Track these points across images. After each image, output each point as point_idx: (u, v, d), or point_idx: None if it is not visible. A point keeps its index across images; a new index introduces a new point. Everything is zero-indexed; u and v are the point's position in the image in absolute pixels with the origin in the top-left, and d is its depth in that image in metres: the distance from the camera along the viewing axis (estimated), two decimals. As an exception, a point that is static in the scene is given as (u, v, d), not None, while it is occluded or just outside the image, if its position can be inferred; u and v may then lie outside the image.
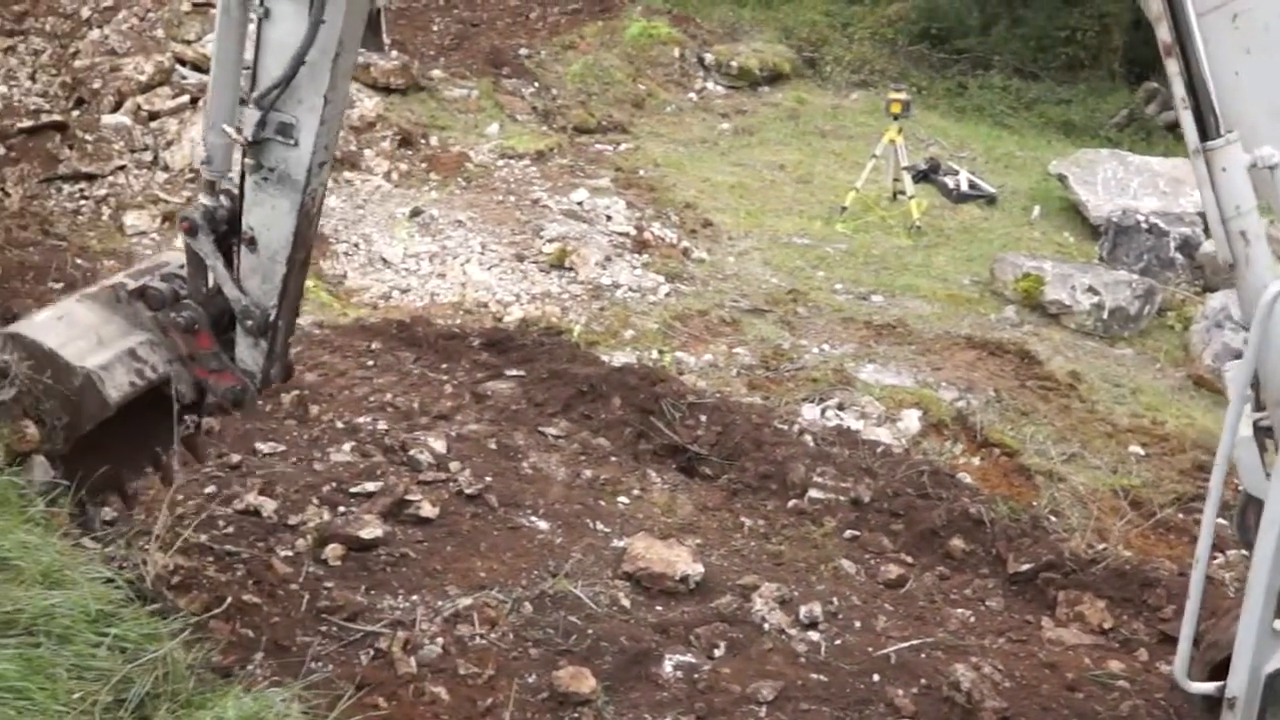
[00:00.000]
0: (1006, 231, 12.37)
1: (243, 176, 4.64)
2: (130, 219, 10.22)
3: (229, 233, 4.73)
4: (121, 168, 10.92)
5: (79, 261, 7.95)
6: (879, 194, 12.69)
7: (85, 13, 14.64)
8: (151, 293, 4.71)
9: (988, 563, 5.95)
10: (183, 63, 12.65)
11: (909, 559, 5.96)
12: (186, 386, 4.81)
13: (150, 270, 4.94)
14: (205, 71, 12.56)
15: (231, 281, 4.69)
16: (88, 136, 11.10)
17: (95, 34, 13.25)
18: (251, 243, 4.67)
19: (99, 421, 4.48)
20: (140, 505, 5.17)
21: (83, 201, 10.53)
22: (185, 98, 11.83)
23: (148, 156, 11.21)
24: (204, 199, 4.74)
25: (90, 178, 10.73)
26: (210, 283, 4.75)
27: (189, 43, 13.02)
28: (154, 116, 11.58)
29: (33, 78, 13.41)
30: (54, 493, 3.34)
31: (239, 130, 4.51)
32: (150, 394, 4.66)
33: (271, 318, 4.74)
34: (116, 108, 11.57)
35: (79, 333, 4.59)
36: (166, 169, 11.12)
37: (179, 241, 4.92)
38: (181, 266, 4.85)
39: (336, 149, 5.46)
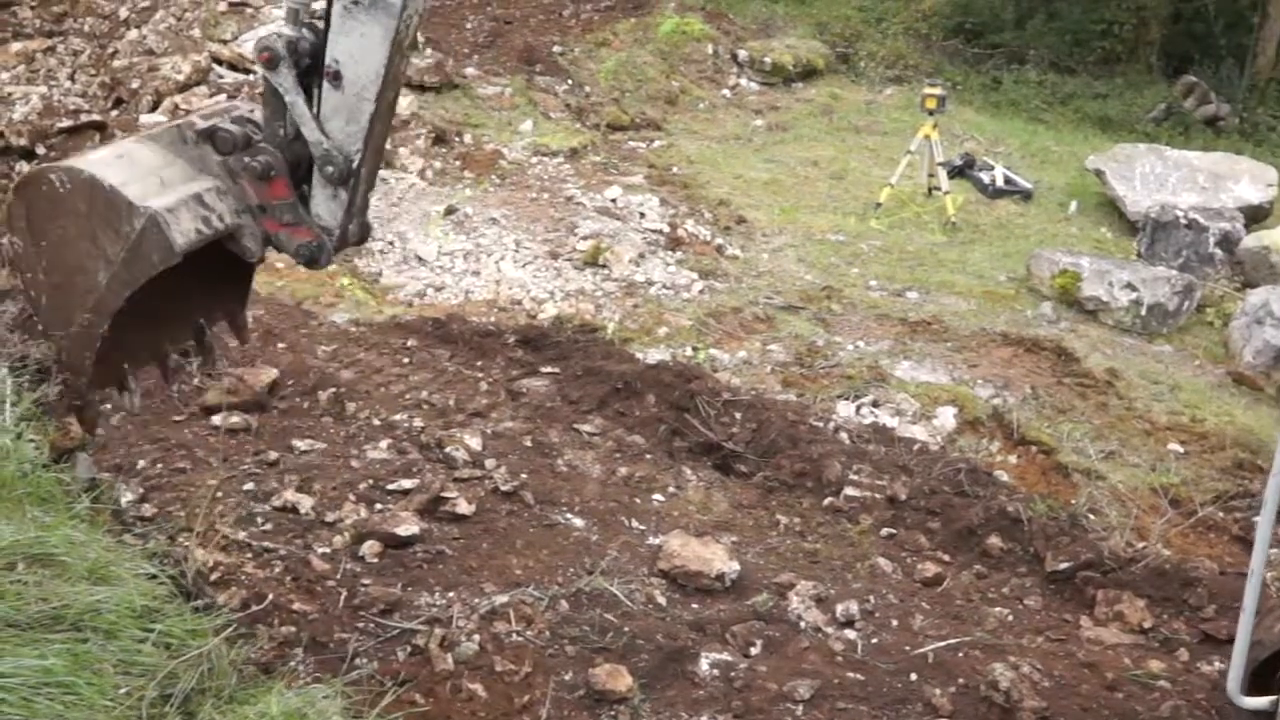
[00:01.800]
0: (1043, 227, 12.28)
1: (330, 2, 4.17)
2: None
3: (311, 69, 4.27)
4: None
5: (118, 260, 8.00)
6: (914, 190, 12.62)
7: (123, 13, 14.79)
8: (222, 134, 4.28)
9: (1025, 561, 5.92)
10: (219, 62, 12.76)
11: (946, 557, 5.93)
12: (254, 241, 4.41)
13: (220, 112, 4.49)
14: (241, 71, 12.73)
15: (313, 121, 4.25)
16: (123, 136, 11.21)
17: (133, 34, 13.38)
18: (336, 77, 4.22)
19: (159, 270, 4.09)
20: (178, 500, 5.22)
21: (121, 200, 10.62)
22: (222, 96, 11.91)
23: (185, 155, 11.30)
24: (286, 28, 4.26)
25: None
26: (288, 126, 4.30)
27: (225, 42, 13.13)
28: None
29: (72, 78, 13.56)
30: (98, 489, 3.38)
31: None
32: (204, 253, 4.25)
33: (355, 164, 4.32)
34: (154, 107, 11.68)
35: (141, 173, 4.18)
36: (204, 168, 11.20)
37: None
38: (252, 111, 4.42)
39: None
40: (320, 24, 4.24)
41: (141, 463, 5.63)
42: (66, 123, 11.49)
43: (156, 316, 4.36)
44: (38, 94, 12.34)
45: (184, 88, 11.92)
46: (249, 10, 14.49)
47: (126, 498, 4.84)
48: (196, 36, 12.86)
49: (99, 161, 4.16)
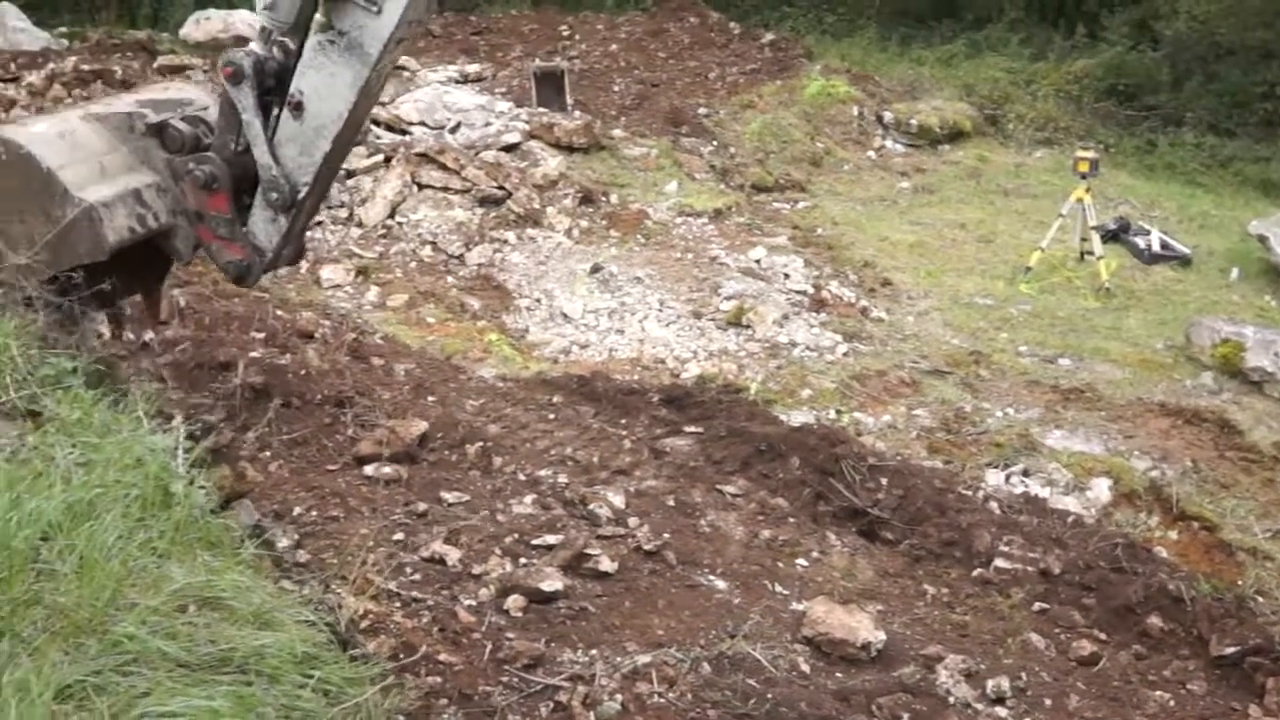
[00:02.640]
0: (1202, 294, 11.87)
1: (305, 32, 4.08)
2: (326, 272, 10.66)
3: (274, 90, 4.17)
4: (319, 224, 11.41)
5: (279, 313, 8.30)
6: (1065, 254, 12.35)
7: (289, 77, 15.42)
8: (171, 133, 4.19)
9: (1188, 643, 5.65)
10: (377, 123, 13.20)
11: (1103, 636, 5.70)
12: (186, 245, 4.31)
13: (170, 104, 4.39)
14: (398, 132, 13.14)
15: (266, 145, 4.13)
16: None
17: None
18: (298, 108, 4.11)
19: (86, 262, 3.99)
20: (331, 548, 5.32)
21: (282, 255, 11.03)
22: (379, 157, 12.32)
23: (343, 213, 11.71)
24: (256, 46, 4.18)
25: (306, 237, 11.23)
26: (239, 141, 4.19)
27: (384, 104, 13.59)
28: (349, 175, 12.09)
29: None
30: (261, 534, 3.47)
31: None
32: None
33: (300, 195, 4.20)
34: (315, 166, 12.11)
35: (82, 156, 4.04)
36: (360, 225, 11.59)
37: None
38: (207, 109, 4.32)
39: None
40: (292, 46, 4.15)
41: (298, 509, 5.77)
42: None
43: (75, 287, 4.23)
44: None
45: (343, 148, 12.34)
46: (406, 74, 14.99)
47: (282, 543, 4.96)
48: (357, 99, 13.32)
49: (40, 137, 4.04)
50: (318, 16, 4.03)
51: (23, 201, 3.99)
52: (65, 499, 2.79)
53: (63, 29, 18.40)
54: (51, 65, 15.38)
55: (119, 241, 4.04)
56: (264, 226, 4.30)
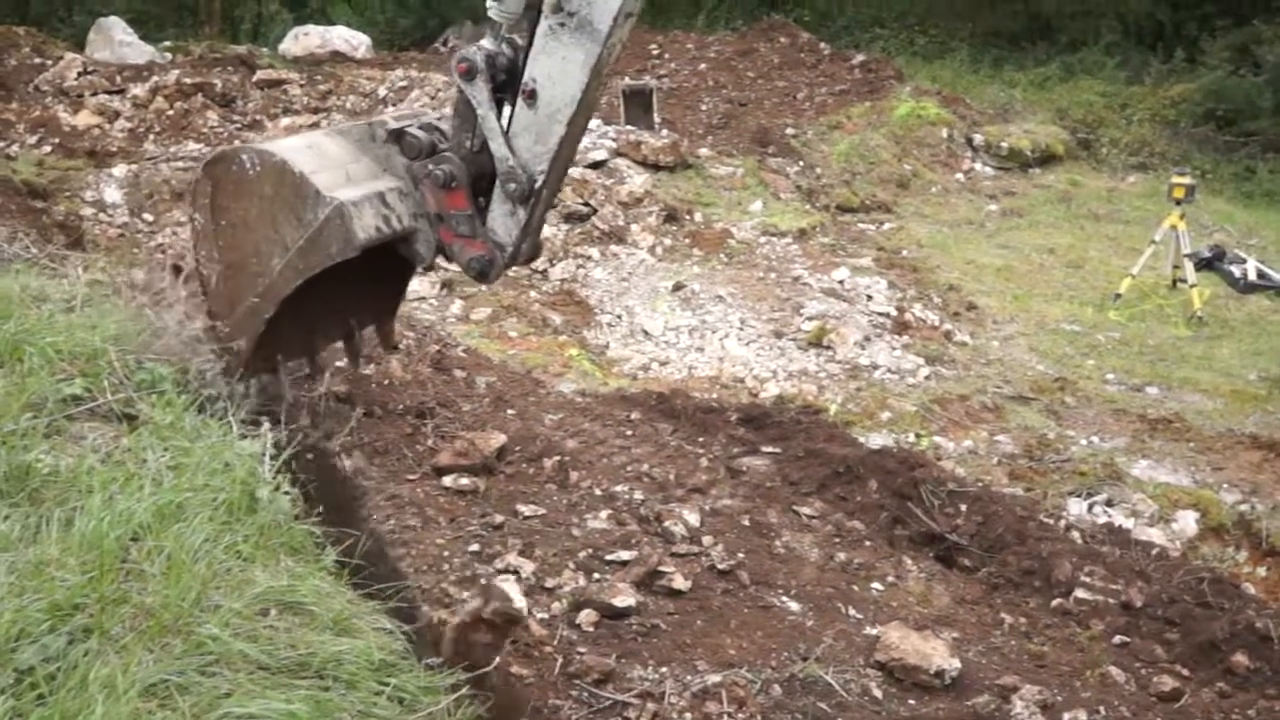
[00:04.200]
0: (1300, 325, 11.58)
1: (535, 19, 4.14)
2: (412, 284, 10.81)
3: (506, 84, 4.24)
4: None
5: (365, 323, 8.44)
6: (1157, 281, 12.12)
7: (382, 91, 15.74)
8: (409, 139, 4.29)
9: (1275, 683, 5.50)
10: (467, 138, 13.38)
11: (1185, 672, 5.58)
12: (427, 247, 4.40)
13: (410, 116, 4.50)
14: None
15: (501, 137, 4.22)
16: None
17: (390, 111, 14.19)
18: (531, 96, 4.17)
19: (335, 262, 4.09)
20: (408, 557, 5.40)
21: (370, 267, 11.23)
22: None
23: (430, 226, 11.87)
24: (487, 42, 4.25)
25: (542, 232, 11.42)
26: (475, 138, 4.28)
27: (473, 120, 13.77)
28: (439, 189, 12.26)
29: (332, 151, 14.45)
30: (345, 542, 3.55)
31: None
32: (365, 256, 4.21)
33: (538, 184, 4.27)
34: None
35: (329, 164, 4.19)
36: (447, 238, 11.74)
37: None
38: (440, 119, 4.43)
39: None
40: (520, 40, 4.22)
41: (375, 517, 5.87)
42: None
43: (310, 313, 4.38)
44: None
45: (433, 162, 12.54)
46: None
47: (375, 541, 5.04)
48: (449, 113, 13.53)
49: (290, 148, 4.21)
50: (547, 1, 4.09)
51: (275, 207, 4.15)
52: (155, 501, 2.88)
53: (167, 43, 18.96)
54: (155, 78, 15.85)
55: (368, 239, 4.16)
56: (503, 221, 4.40)
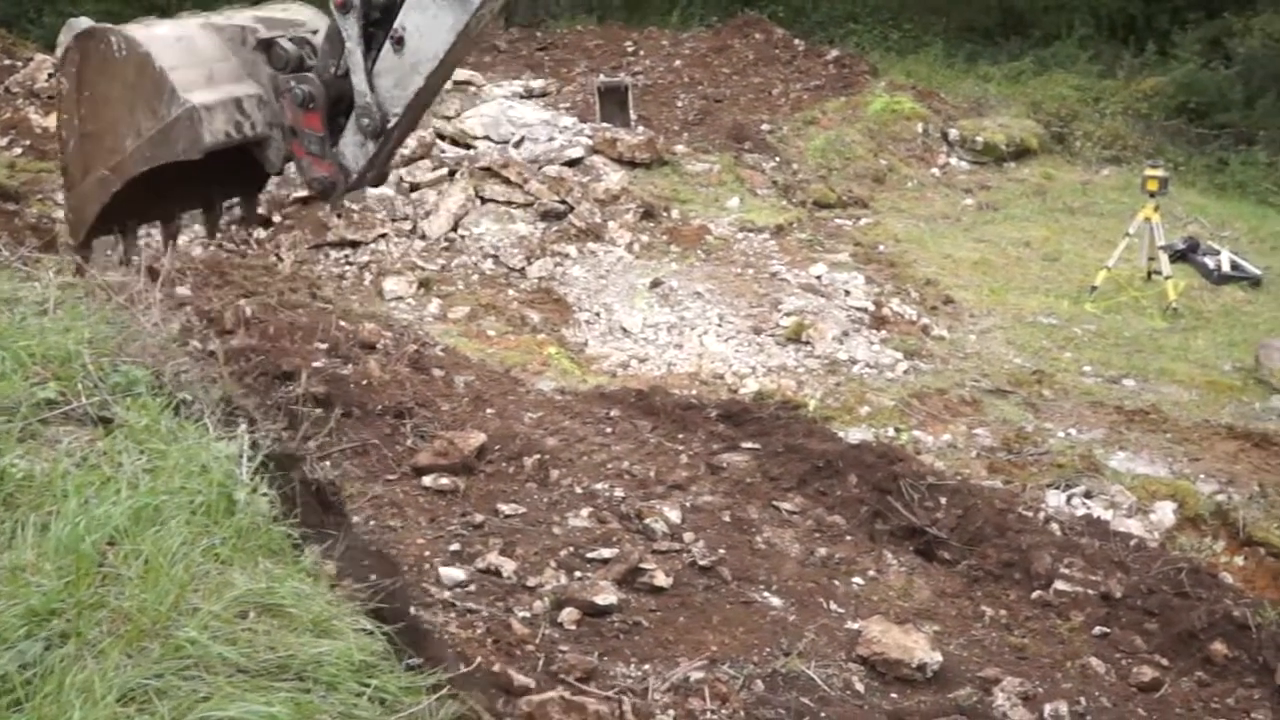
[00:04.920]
0: (1274, 315, 11.65)
1: None
2: (389, 284, 10.79)
3: (380, 22, 4.40)
4: (383, 236, 11.57)
5: (342, 324, 8.42)
6: (1132, 274, 12.19)
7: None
8: (278, 51, 4.46)
9: (1253, 671, 5.54)
10: (442, 137, 13.36)
11: (1164, 661, 5.61)
12: (277, 156, 4.57)
13: (283, 24, 4.67)
14: (463, 146, 13.30)
15: (364, 73, 4.38)
16: (354, 206, 11.83)
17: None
18: (399, 43, 4.35)
19: (183, 158, 4.27)
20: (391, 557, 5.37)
21: (347, 267, 11.20)
22: (444, 170, 12.47)
23: (407, 226, 11.85)
24: None
25: (355, 245, 11.41)
26: (340, 65, 4.44)
27: (449, 118, 13.75)
28: (414, 188, 12.25)
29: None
30: (322, 541, 3.53)
31: None
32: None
33: (390, 124, 4.43)
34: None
35: (194, 61, 4.34)
36: (424, 238, 11.72)
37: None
38: (314, 32, 4.59)
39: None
40: None
41: (356, 519, 5.84)
42: (301, 193, 12.18)
43: (168, 181, 4.51)
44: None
45: (409, 161, 12.52)
46: (471, 89, 15.15)
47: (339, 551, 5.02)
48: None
49: (159, 39, 4.36)
50: None
51: (134, 94, 4.32)
52: (131, 504, 2.85)
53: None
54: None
55: (214, 143, 4.31)
56: (353, 149, 4.55)
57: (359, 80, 4.39)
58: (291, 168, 4.85)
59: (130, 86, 4.34)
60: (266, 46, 4.49)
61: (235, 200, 5.30)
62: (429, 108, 4.79)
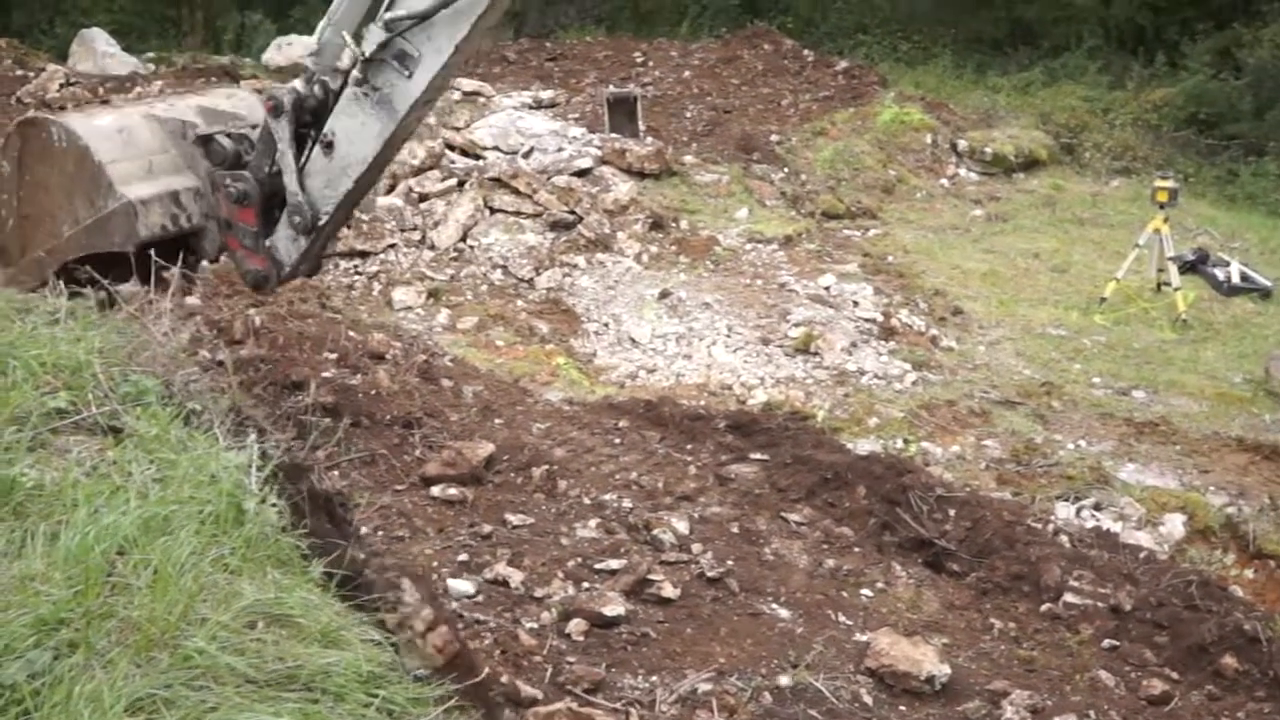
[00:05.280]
0: (1284, 327, 11.63)
1: (345, 81, 4.49)
2: (398, 294, 10.81)
3: (311, 124, 4.57)
4: (392, 246, 11.59)
5: (351, 334, 8.43)
6: (1142, 285, 12.16)
7: (366, 101, 15.67)
8: (215, 147, 4.61)
9: (1264, 685, 5.51)
10: (451, 148, 13.38)
11: (1174, 675, 5.59)
12: (212, 246, 4.73)
13: (224, 116, 4.81)
14: (472, 156, 13.32)
15: (295, 174, 4.55)
16: (364, 216, 11.85)
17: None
18: (329, 147, 4.53)
19: (118, 250, 4.42)
20: (397, 568, 5.37)
21: (356, 277, 11.22)
22: (453, 180, 12.49)
23: (416, 236, 11.87)
24: (299, 85, 4.61)
25: (364, 255, 11.43)
26: (274, 165, 4.61)
27: (458, 129, 13.78)
28: (423, 198, 12.26)
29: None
30: (333, 552, 3.53)
31: (358, 41, 4.40)
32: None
33: (321, 222, 4.59)
34: (390, 189, 12.31)
35: (134, 153, 4.50)
36: (433, 248, 11.74)
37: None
38: (254, 127, 4.71)
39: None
40: (333, 86, 4.53)
41: (364, 529, 5.84)
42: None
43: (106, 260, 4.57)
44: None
45: (418, 171, 12.54)
46: (481, 99, 15.19)
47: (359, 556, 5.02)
48: (432, 124, 13.52)
49: (98, 132, 4.48)
50: (355, 71, 4.45)
51: (74, 183, 4.46)
52: (141, 514, 2.85)
53: (150, 54, 18.89)
54: (138, 89, 15.79)
55: (150, 236, 4.49)
56: (286, 244, 4.71)
57: (290, 180, 4.54)
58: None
59: (69, 176, 4.46)
60: (205, 142, 4.63)
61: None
62: (358, 205, 4.92)
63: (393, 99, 4.43)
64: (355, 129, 4.49)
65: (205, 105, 5.00)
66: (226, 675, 2.45)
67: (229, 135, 4.72)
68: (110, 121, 4.69)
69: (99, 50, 17.47)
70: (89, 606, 2.53)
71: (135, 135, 4.60)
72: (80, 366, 3.72)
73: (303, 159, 4.62)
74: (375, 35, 4.39)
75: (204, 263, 5.09)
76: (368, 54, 4.38)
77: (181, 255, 4.87)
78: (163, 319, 4.69)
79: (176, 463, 3.22)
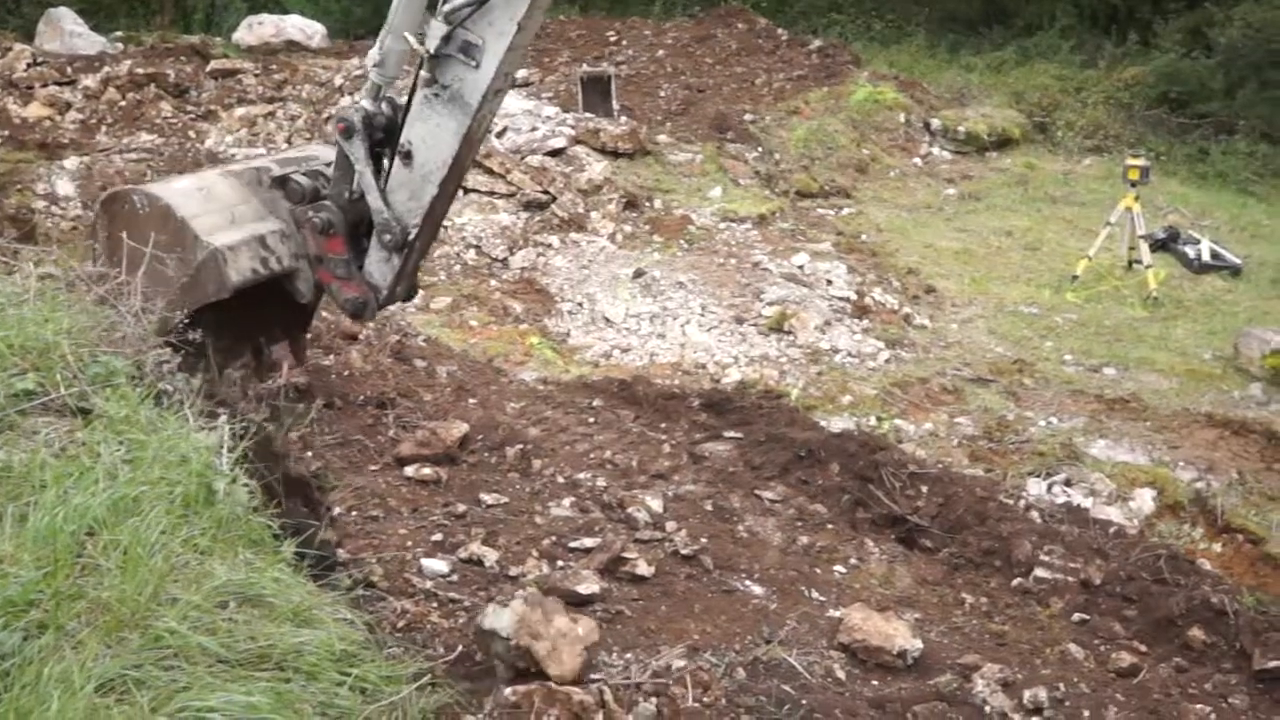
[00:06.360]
0: (1253, 304, 11.71)
1: (414, 88, 4.46)
2: (371, 275, 10.75)
3: (384, 141, 4.57)
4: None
5: (323, 314, 8.38)
6: (1113, 263, 12.24)
7: (338, 80, 15.61)
8: (293, 185, 4.61)
9: (1231, 657, 5.58)
10: (424, 127, 13.29)
11: (1143, 647, 5.65)
12: (307, 286, 4.73)
13: (297, 161, 4.84)
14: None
15: (378, 192, 4.55)
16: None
17: (347, 100, 14.08)
18: (407, 157, 4.52)
19: (213, 299, 4.42)
20: (370, 548, 5.38)
21: (329, 257, 11.14)
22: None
23: (389, 216, 11.80)
24: (366, 102, 4.59)
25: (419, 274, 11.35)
26: (354, 188, 4.61)
27: (431, 108, 13.68)
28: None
29: (289, 141, 14.35)
30: (305, 532, 3.53)
31: (421, 40, 4.38)
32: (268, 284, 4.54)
33: (411, 236, 4.59)
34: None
35: (215, 207, 4.51)
36: (406, 228, 11.67)
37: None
38: (328, 164, 4.72)
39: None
40: (400, 100, 4.52)
41: (338, 509, 5.84)
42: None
43: (220, 328, 4.61)
44: (257, 156, 13.09)
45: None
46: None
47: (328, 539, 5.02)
48: (404, 103, 13.43)
49: (179, 192, 4.52)
50: (423, 72, 4.41)
51: (162, 247, 4.43)
52: (110, 495, 2.85)
53: (118, 33, 18.69)
54: (107, 69, 15.64)
55: (242, 281, 4.47)
56: (379, 266, 4.71)
57: (374, 199, 4.54)
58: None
59: (157, 241, 4.44)
60: (282, 183, 4.65)
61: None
62: (447, 213, 4.89)
63: (464, 93, 4.40)
64: (431, 132, 4.47)
65: (277, 157, 5.12)
66: (198, 655, 2.46)
67: (305, 173, 4.74)
68: (189, 182, 4.74)
69: (66, 29, 17.28)
70: (58, 587, 2.53)
71: (214, 190, 4.62)
72: (48, 348, 3.70)
73: (382, 177, 4.62)
74: (437, 30, 4.36)
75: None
76: (432, 50, 4.35)
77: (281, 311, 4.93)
78: (133, 299, 4.67)
79: (146, 444, 3.21)
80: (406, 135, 4.51)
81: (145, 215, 4.47)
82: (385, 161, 4.64)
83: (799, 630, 5.40)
